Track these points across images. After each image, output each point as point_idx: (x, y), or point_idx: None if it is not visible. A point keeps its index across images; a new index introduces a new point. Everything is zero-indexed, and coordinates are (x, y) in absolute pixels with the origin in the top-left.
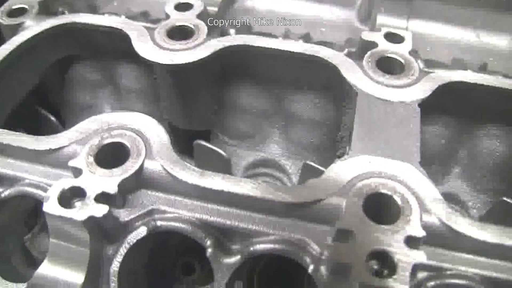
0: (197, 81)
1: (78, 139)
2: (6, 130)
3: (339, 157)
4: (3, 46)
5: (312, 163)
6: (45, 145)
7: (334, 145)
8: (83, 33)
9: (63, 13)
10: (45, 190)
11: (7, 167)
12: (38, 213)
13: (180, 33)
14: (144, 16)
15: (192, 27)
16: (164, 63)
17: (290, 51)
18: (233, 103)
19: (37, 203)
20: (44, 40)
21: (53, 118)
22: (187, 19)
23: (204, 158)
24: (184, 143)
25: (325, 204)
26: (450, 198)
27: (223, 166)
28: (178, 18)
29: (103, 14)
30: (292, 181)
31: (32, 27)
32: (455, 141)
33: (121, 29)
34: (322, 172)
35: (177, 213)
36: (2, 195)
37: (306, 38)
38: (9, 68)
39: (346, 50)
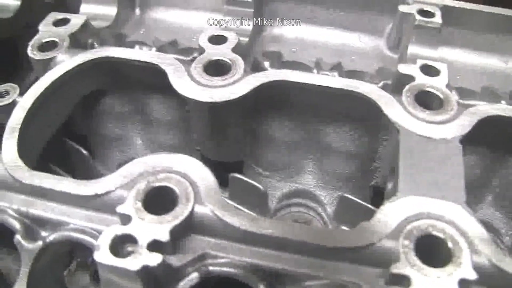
0: (232, 115)
1: (123, 183)
2: (47, 174)
3: (374, 187)
4: (38, 83)
5: (349, 196)
6: (91, 190)
7: (367, 175)
8: (115, 67)
9: (92, 45)
10: (90, 235)
11: (50, 212)
12: (73, 251)
13: (216, 68)
14: (173, 45)
15: (229, 62)
16: (203, 101)
17: (329, 87)
18: (267, 135)
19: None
20: (76, 75)
21: (84, 151)
22: (223, 53)
23: (240, 191)
24: (216, 174)
25: (377, 247)
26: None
27: (260, 199)
28: (214, 52)
29: (133, 44)
30: (327, 211)
31: (65, 62)
32: (489, 170)
33: (156, 64)
34: (358, 204)
35: (228, 258)
36: (47, 239)
37: (338, 68)
38: (43, 105)
39: (381, 83)
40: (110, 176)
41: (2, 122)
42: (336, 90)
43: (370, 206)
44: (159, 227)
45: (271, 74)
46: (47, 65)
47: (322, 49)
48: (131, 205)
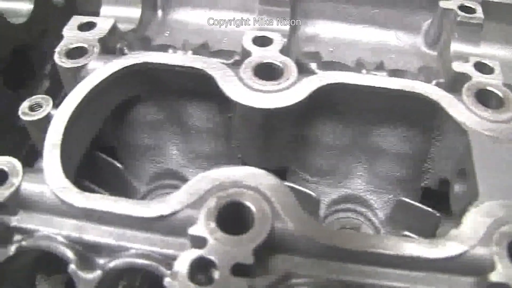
0: (285, 121)
1: (191, 202)
2: (100, 195)
3: (424, 188)
4: (73, 94)
5: (408, 200)
6: (155, 212)
7: (417, 177)
8: (152, 73)
9: (122, 50)
10: (157, 260)
11: (107, 237)
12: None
13: (266, 72)
14: (205, 48)
15: (280, 65)
16: (260, 107)
17: (387, 88)
18: (315, 139)
19: None
20: (112, 83)
21: (118, 165)
22: (272, 56)
23: None
24: None
25: (470, 255)
26: None
27: (312, 207)
28: (262, 55)
29: (165, 48)
30: (378, 216)
31: (99, 69)
32: None
33: (201, 69)
34: (418, 208)
35: (313, 277)
36: (106, 267)
37: (380, 67)
38: (79, 117)
39: (434, 82)
40: (175, 194)
41: (35, 138)
42: (394, 91)
43: (430, 209)
44: (241, 249)
45: (326, 77)
46: (77, 73)
47: (359, 48)
48: (204, 225)
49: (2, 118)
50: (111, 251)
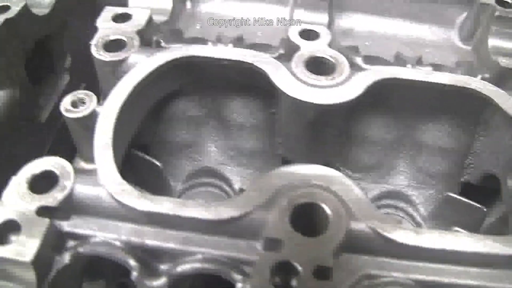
0: (334, 116)
1: (261, 202)
2: (163, 197)
3: (463, 183)
4: (118, 89)
5: (455, 195)
6: (225, 214)
7: (458, 171)
8: (195, 67)
9: (158, 42)
10: (226, 265)
11: (171, 241)
12: None
13: (316, 66)
14: (240, 41)
15: (332, 60)
16: (320, 103)
17: (441, 84)
18: (361, 135)
19: None
20: (156, 77)
21: (157, 163)
22: (321, 49)
23: None
24: None
25: None
26: None
27: None
28: (312, 49)
29: (203, 41)
30: (420, 212)
31: (143, 63)
32: None
33: (252, 63)
34: (466, 204)
35: (391, 277)
36: (173, 273)
37: (419, 62)
38: (125, 114)
39: (479, 76)
40: (244, 194)
41: (77, 136)
42: (447, 86)
43: (477, 204)
44: (320, 251)
45: (381, 71)
46: (117, 67)
47: (395, 43)
48: (279, 227)
49: (24, 114)
50: (175, 257)
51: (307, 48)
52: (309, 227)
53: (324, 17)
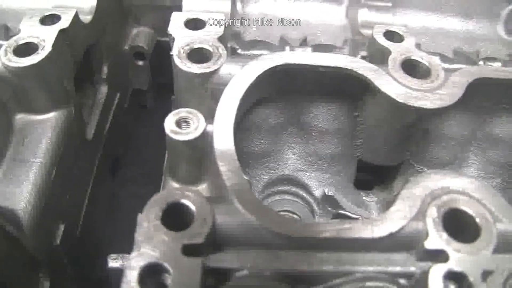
0: (428, 118)
1: (413, 214)
2: (314, 221)
3: None
4: (226, 106)
5: None
6: (383, 230)
7: None
8: (288, 74)
9: (234, 49)
10: (384, 281)
11: (330, 264)
12: None
13: (410, 69)
14: (305, 43)
15: (426, 62)
16: (428, 107)
17: None
18: (439, 133)
19: None
20: (251, 88)
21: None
22: (412, 51)
23: None
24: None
25: None
26: None
27: None
28: (401, 52)
29: (264, 44)
30: None
31: (242, 74)
32: None
33: (351, 69)
34: None
35: None
36: None
37: (476, 56)
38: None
39: None
40: (394, 207)
41: (183, 157)
42: None
43: None
44: (482, 256)
45: (472, 73)
46: (208, 79)
47: (450, 38)
48: (437, 237)
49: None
50: (328, 279)
51: (397, 51)
52: (455, 233)
53: (388, 17)
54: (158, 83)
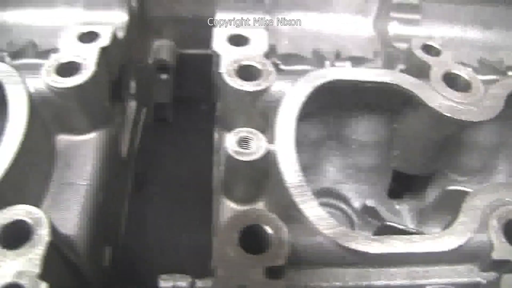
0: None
1: (477, 225)
2: (388, 236)
3: None
4: (284, 124)
5: None
6: (452, 243)
7: None
8: (334, 90)
9: (276, 65)
10: None
11: (399, 278)
12: None
13: (450, 82)
14: (339, 56)
15: (465, 75)
16: (474, 120)
17: None
18: (473, 141)
19: None
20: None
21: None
22: (452, 65)
23: None
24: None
25: None
26: None
27: None
28: (440, 64)
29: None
30: None
31: (294, 93)
32: None
33: (396, 85)
34: None
35: None
36: None
37: (499, 65)
38: None
39: None
40: (461, 219)
41: (239, 177)
42: None
43: None
44: None
45: (510, 83)
46: (259, 97)
47: (472, 48)
48: (503, 248)
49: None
50: None
51: (437, 65)
52: None
53: (417, 29)
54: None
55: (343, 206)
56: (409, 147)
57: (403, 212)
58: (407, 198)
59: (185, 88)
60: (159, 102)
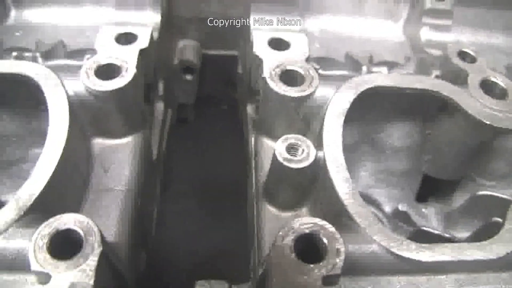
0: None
1: None
2: (437, 244)
3: None
4: (332, 132)
5: None
6: (501, 251)
7: None
8: (372, 96)
9: (315, 69)
10: None
11: (446, 286)
12: None
13: (485, 89)
14: (371, 60)
15: (502, 83)
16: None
17: None
18: (502, 146)
19: None
20: None
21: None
22: (489, 73)
23: None
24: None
25: None
26: None
27: None
28: (476, 71)
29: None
30: None
31: (339, 99)
32: None
33: (436, 91)
34: None
35: None
36: None
37: None
38: None
39: None
40: (508, 227)
41: (284, 183)
42: None
43: None
44: None
45: None
46: (303, 103)
47: (498, 54)
48: None
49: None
50: None
51: (474, 72)
52: None
53: (448, 36)
54: None
55: (373, 210)
56: (441, 152)
57: (430, 216)
58: (432, 202)
59: (206, 88)
60: (182, 103)
